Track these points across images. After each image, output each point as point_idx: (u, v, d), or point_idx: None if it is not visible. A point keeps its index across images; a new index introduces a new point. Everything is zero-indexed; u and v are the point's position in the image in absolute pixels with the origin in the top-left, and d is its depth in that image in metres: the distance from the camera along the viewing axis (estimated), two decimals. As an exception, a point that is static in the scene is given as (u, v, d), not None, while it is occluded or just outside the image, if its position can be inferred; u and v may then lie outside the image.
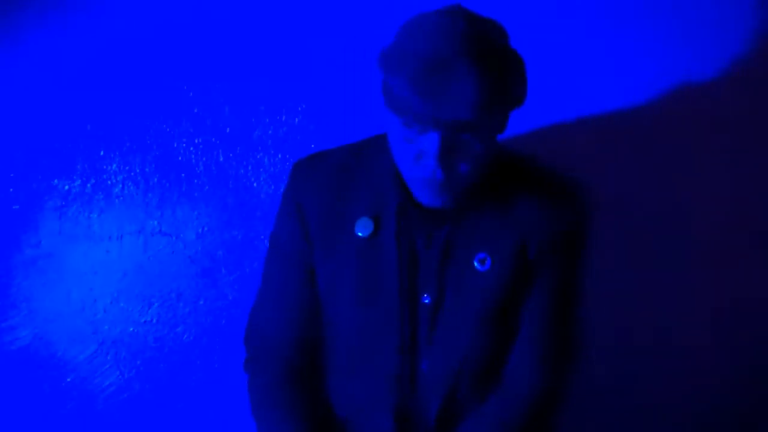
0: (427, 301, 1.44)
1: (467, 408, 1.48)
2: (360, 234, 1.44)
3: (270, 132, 1.78)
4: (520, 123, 1.66)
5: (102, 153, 1.78)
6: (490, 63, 1.26)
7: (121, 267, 1.82)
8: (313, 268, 1.49)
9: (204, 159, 1.79)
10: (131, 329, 1.85)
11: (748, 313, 1.88)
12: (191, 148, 1.78)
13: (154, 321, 1.85)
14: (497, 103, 1.27)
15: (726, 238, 1.84)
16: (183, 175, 1.79)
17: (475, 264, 1.44)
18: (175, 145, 1.78)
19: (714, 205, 1.82)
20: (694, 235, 1.83)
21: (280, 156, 1.78)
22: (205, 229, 1.81)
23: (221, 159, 1.79)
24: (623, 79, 1.75)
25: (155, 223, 1.81)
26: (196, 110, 1.77)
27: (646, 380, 1.90)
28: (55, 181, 1.79)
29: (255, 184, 1.80)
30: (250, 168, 1.79)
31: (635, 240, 1.81)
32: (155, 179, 1.79)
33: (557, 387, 1.51)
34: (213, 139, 1.78)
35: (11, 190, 1.79)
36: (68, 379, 1.87)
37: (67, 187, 1.79)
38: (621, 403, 1.91)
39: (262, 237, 1.80)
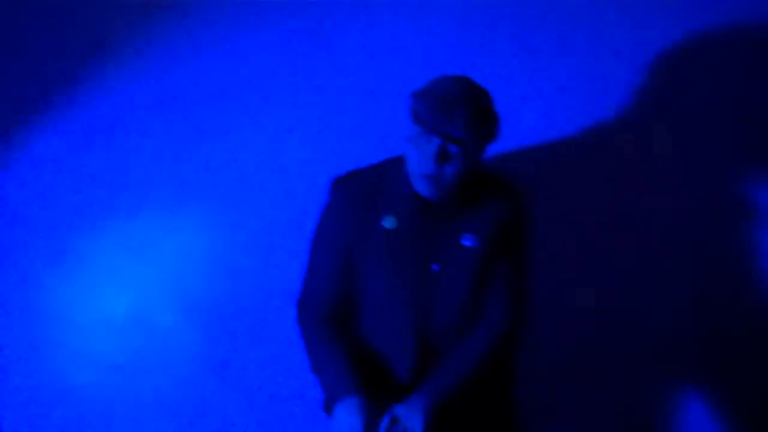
0: (435, 269, 2.16)
1: (461, 336, 2.20)
2: (387, 226, 2.14)
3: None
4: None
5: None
6: (476, 108, 2.04)
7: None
8: (350, 253, 2.18)
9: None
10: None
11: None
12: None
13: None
14: (476, 132, 2.04)
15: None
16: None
17: (464, 242, 2.17)
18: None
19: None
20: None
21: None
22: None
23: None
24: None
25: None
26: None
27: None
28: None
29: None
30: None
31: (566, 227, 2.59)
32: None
33: (516, 323, 2.24)
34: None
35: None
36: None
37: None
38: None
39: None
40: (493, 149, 2.23)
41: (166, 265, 2.54)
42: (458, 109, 2.02)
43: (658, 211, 2.60)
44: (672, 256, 2.62)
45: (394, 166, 2.17)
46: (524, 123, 2.53)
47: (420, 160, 2.07)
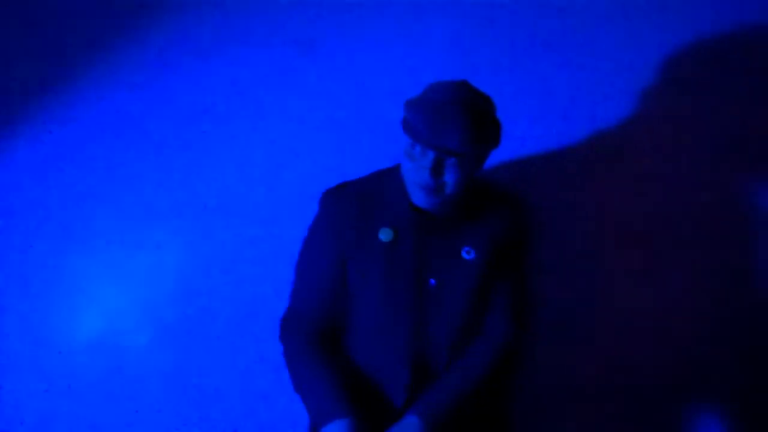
0: (432, 283, 2.04)
1: (461, 354, 2.08)
2: (383, 239, 2.02)
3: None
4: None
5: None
6: (475, 117, 1.90)
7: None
8: (342, 267, 2.05)
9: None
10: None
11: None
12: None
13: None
14: (474, 143, 1.91)
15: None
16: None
17: (463, 255, 2.05)
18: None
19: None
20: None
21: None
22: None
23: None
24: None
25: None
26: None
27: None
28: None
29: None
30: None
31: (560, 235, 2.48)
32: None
33: (519, 336, 2.14)
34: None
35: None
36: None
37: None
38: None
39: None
40: (491, 159, 2.12)
41: (138, 285, 2.40)
42: (453, 120, 1.89)
43: (662, 218, 2.52)
44: (680, 265, 2.53)
45: (389, 176, 2.06)
46: (519, 129, 2.43)
47: (415, 172, 1.96)
